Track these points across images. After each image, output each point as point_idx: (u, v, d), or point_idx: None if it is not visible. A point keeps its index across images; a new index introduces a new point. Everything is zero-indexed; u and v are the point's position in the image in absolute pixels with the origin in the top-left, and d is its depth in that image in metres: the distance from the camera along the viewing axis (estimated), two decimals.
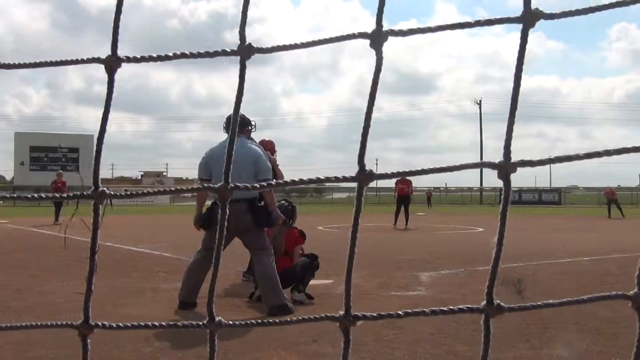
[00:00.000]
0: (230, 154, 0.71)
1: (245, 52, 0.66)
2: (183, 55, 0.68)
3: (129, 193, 0.74)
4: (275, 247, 5.24)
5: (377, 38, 0.63)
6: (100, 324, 0.72)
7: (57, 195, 0.76)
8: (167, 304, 5.15)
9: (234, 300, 5.38)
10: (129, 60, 0.70)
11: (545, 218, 24.13)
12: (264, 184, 0.70)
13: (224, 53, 0.67)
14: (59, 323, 0.74)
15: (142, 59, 0.70)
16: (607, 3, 0.63)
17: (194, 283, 4.97)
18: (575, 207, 40.00)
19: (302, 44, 0.66)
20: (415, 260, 8.25)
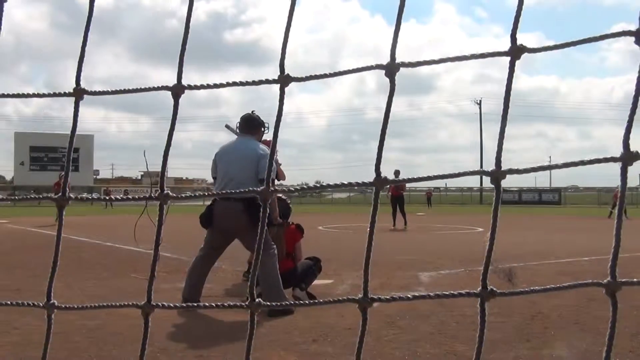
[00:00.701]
0: (270, 163, 0.82)
1: (284, 81, 0.81)
2: (234, 84, 0.83)
3: (188, 195, 0.85)
4: (277, 249, 5.24)
5: (391, 69, 0.79)
6: (160, 304, 0.83)
7: (130, 197, 0.84)
8: None
9: (234, 300, 5.38)
10: (190, 87, 0.82)
11: (545, 218, 24.14)
12: (297, 187, 0.88)
13: (266, 82, 0.82)
14: (124, 303, 0.85)
15: (202, 87, 0.83)
16: (582, 38, 0.74)
17: (196, 281, 4.97)
18: (575, 207, 40.01)
19: (331, 74, 0.82)
20: (415, 260, 8.25)
